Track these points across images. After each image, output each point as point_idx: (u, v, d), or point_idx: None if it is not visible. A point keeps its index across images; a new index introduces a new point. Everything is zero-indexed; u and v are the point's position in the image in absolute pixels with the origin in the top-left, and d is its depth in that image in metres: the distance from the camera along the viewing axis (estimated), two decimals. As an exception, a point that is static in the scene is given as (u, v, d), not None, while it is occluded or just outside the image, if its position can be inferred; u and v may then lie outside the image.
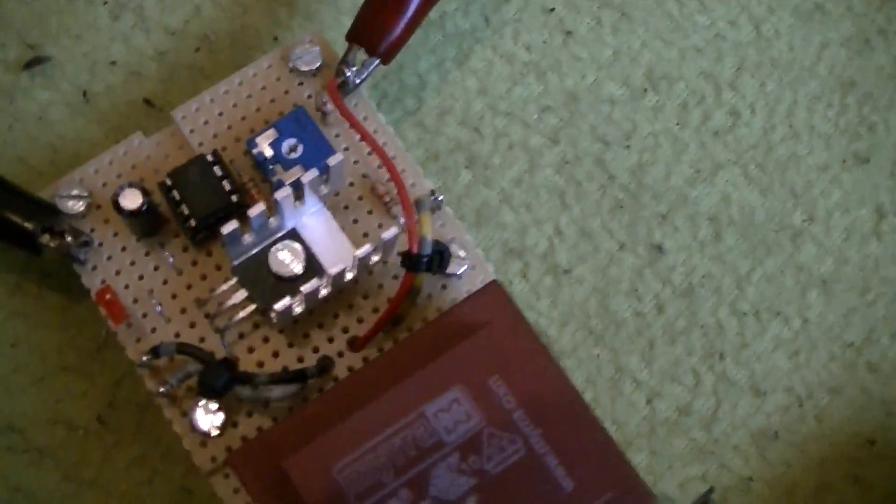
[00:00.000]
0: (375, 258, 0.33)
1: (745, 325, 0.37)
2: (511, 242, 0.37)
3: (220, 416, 0.33)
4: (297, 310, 0.32)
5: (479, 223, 0.37)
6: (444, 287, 0.34)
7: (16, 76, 0.38)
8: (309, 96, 0.36)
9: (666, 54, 0.40)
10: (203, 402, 0.33)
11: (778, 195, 0.38)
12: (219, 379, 0.32)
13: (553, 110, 0.39)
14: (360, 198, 0.35)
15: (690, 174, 0.38)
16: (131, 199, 0.33)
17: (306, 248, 0.33)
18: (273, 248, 0.33)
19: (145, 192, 0.33)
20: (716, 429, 0.36)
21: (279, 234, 0.33)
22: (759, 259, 0.38)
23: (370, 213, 0.35)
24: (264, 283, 0.33)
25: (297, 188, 0.32)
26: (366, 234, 0.34)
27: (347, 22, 0.38)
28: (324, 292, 0.32)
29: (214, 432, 0.33)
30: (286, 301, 0.31)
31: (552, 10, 0.40)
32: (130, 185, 0.33)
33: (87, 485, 0.35)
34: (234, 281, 0.33)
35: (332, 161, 0.32)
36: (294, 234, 0.33)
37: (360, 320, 0.34)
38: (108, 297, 0.33)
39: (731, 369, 0.37)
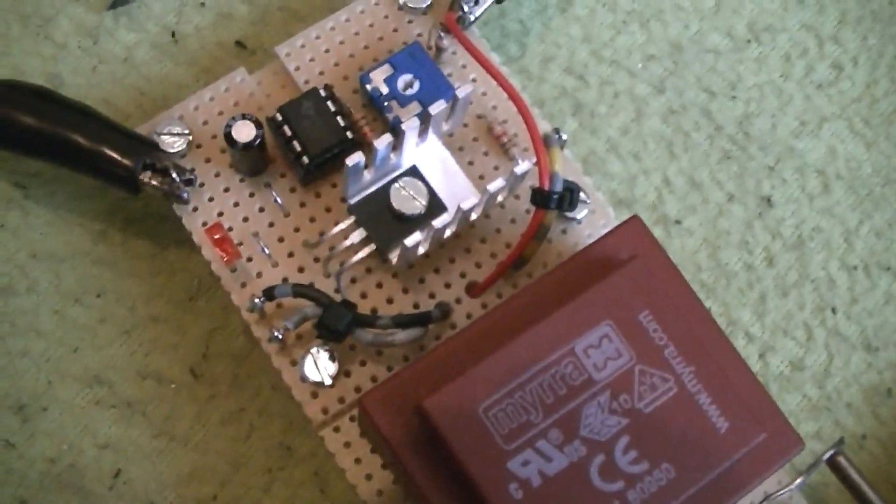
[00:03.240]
0: (501, 197, 0.31)
1: (856, 279, 0.36)
2: (619, 192, 0.36)
3: (333, 365, 0.31)
4: (422, 249, 0.31)
5: (587, 172, 0.36)
6: (563, 232, 0.33)
7: (99, 16, 0.36)
8: (419, 35, 0.34)
9: (768, 5, 0.39)
10: (314, 349, 0.31)
11: (883, 149, 0.37)
12: (341, 320, 0.30)
13: (657, 59, 0.37)
14: (476, 139, 0.33)
15: (796, 126, 0.37)
16: (245, 132, 0.31)
17: (428, 186, 0.31)
18: (394, 186, 0.31)
19: (258, 125, 0.31)
20: (828, 385, 0.35)
21: (399, 172, 0.32)
22: (867, 213, 0.37)
23: (486, 154, 0.33)
24: (384, 222, 0.31)
25: (424, 117, 0.31)
26: (482, 177, 0.33)
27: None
28: (449, 231, 0.31)
29: (328, 381, 0.31)
30: (416, 236, 0.29)
31: (654, -41, 0.39)
32: (244, 117, 0.31)
33: (180, 441, 0.33)
34: (350, 221, 0.31)
35: (462, 92, 0.30)
36: (415, 172, 0.31)
37: (477, 265, 0.32)
38: (218, 235, 0.31)
39: (842, 324, 0.36)
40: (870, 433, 0.35)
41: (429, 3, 0.34)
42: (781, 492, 0.31)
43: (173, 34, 0.36)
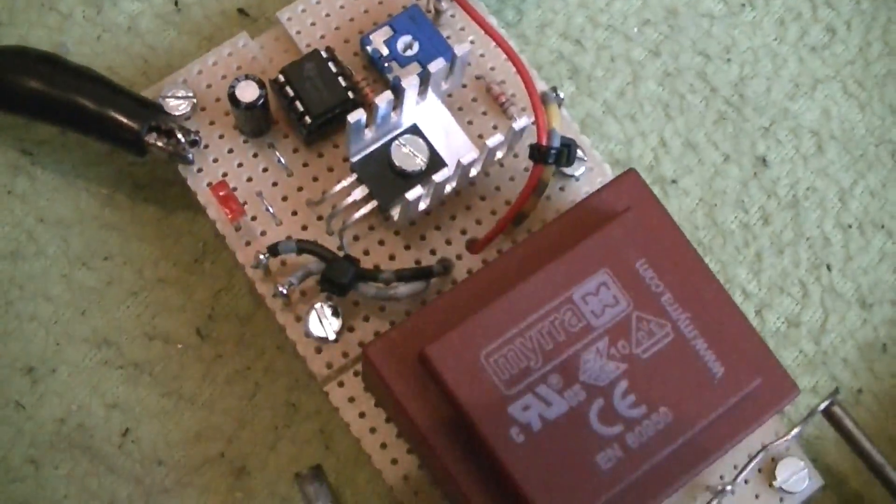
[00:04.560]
0: (500, 154, 0.32)
1: (850, 237, 0.37)
2: (616, 153, 0.37)
3: (337, 321, 0.32)
4: (423, 205, 0.31)
5: (584, 134, 0.36)
6: (561, 189, 0.33)
7: (103, -14, 0.37)
8: (418, -1, 0.35)
9: (762, -30, 0.39)
10: (319, 305, 0.32)
11: (877, 111, 0.38)
12: (345, 274, 0.30)
13: (653, 24, 0.38)
14: (475, 99, 0.34)
15: (790, 88, 0.38)
16: (249, 92, 0.31)
17: (428, 143, 0.32)
18: (395, 143, 0.32)
19: (261, 86, 0.32)
20: (824, 341, 0.36)
21: (400, 130, 0.32)
22: (861, 173, 0.37)
23: (484, 113, 0.34)
24: (385, 179, 0.32)
25: (423, 79, 0.31)
26: (480, 136, 0.34)
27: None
28: (450, 187, 0.31)
29: (332, 337, 0.31)
30: (417, 191, 0.30)
31: (647, -77, 0.39)
32: (247, 78, 0.32)
33: (187, 401, 0.34)
34: (352, 178, 0.32)
35: (460, 51, 0.31)
36: (415, 130, 0.32)
37: (478, 222, 0.33)
38: (223, 192, 0.31)
39: (837, 281, 0.36)
40: (865, 388, 0.35)
41: (428, -34, 0.35)
42: (778, 442, 0.32)
43: (176, 3, 0.37)
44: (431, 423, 0.28)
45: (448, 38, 0.34)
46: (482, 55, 0.34)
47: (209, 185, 0.32)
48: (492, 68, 0.34)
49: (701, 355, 0.28)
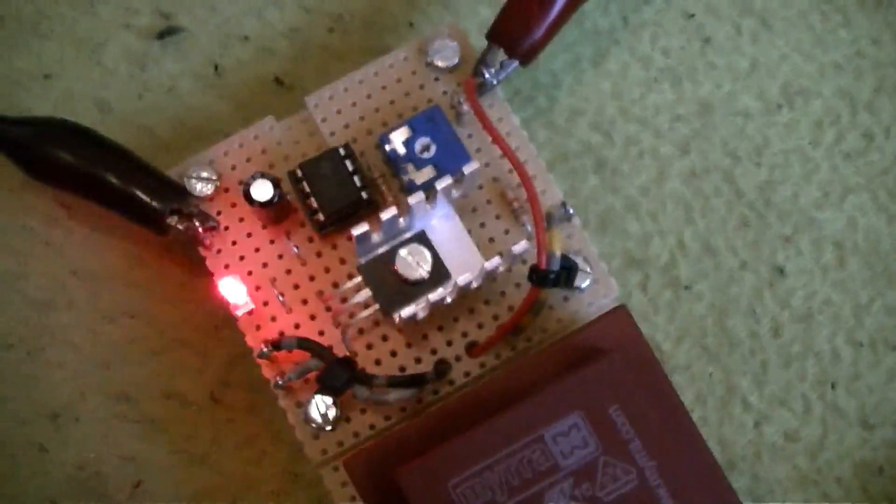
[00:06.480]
0: (501, 269, 0.33)
1: (861, 355, 0.37)
2: (633, 252, 0.37)
3: (334, 411, 0.33)
4: (421, 315, 0.32)
5: (603, 229, 0.37)
6: (565, 299, 0.34)
7: (148, 45, 0.38)
8: (445, 93, 0.35)
9: (805, 69, 0.39)
10: (318, 396, 0.33)
11: (906, 224, 0.38)
12: (338, 378, 0.32)
13: (685, 119, 0.38)
14: (489, 201, 0.35)
15: (819, 196, 0.38)
16: (262, 191, 0.33)
17: (433, 253, 0.33)
18: (401, 251, 0.33)
19: (276, 184, 0.33)
20: (820, 458, 0.36)
21: (407, 236, 0.33)
22: (881, 290, 0.37)
23: (498, 217, 0.35)
24: (389, 284, 0.33)
25: (429, 191, 0.32)
26: (492, 240, 0.34)
27: (484, 10, 0.38)
28: (448, 301, 0.32)
29: (328, 427, 0.33)
30: (411, 308, 0.31)
31: (692, 15, 0.39)
32: (263, 176, 0.33)
33: (197, 460, 0.36)
34: (359, 279, 0.33)
35: (468, 169, 0.32)
36: (422, 237, 0.33)
37: (479, 325, 0.34)
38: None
39: (842, 399, 0.36)
40: (858, 509, 0.36)
41: (456, 62, 0.35)
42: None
43: (216, 67, 0.38)
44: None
45: (470, 136, 0.35)
46: (501, 157, 0.35)
47: (226, 267, 0.34)
48: (510, 170, 0.35)
49: (661, 502, 0.29)
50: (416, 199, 0.32)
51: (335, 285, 0.34)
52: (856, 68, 0.39)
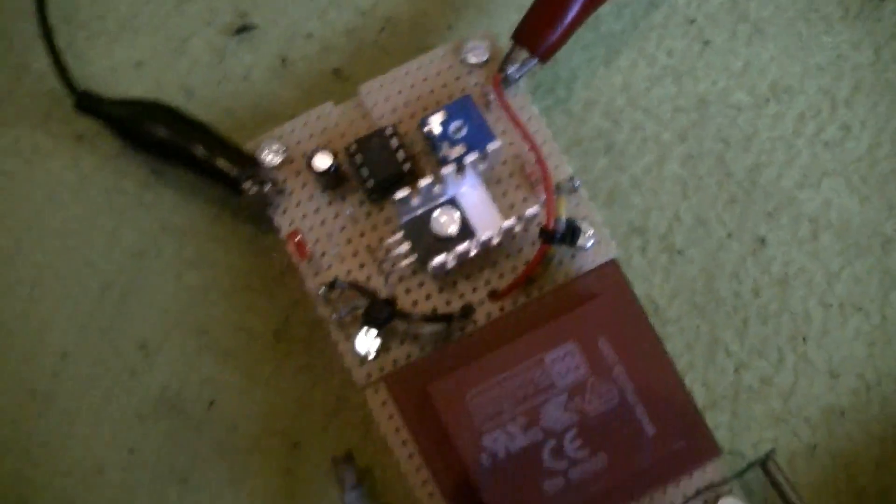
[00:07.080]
0: (517, 229, 0.39)
1: (830, 315, 0.43)
2: (635, 222, 0.43)
3: (377, 342, 0.40)
4: (450, 265, 0.39)
5: (611, 202, 0.43)
6: (572, 256, 0.40)
7: (226, 39, 0.45)
8: (476, 84, 0.42)
9: (791, 69, 0.45)
10: (364, 329, 0.40)
11: (875, 206, 0.43)
12: (381, 313, 0.39)
13: (685, 111, 0.44)
14: (511, 174, 0.41)
15: (799, 178, 0.44)
16: (322, 161, 0.40)
17: (462, 215, 0.40)
18: (435, 212, 0.39)
19: (334, 157, 0.40)
20: (792, 401, 0.42)
21: (441, 200, 0.40)
22: (850, 260, 0.43)
23: (517, 187, 0.41)
24: (425, 239, 0.40)
25: (460, 165, 0.39)
26: (512, 206, 0.41)
27: (514, 15, 0.45)
28: (472, 253, 0.39)
29: (371, 355, 0.40)
30: (441, 257, 0.38)
31: (693, 21, 0.45)
32: (323, 149, 0.40)
33: (262, 384, 0.42)
34: (400, 235, 0.40)
35: (492, 147, 0.39)
36: (453, 202, 0.40)
37: (500, 275, 0.40)
38: (296, 238, 0.40)
39: (812, 351, 0.42)
40: (821, 445, 0.42)
41: (486, 58, 0.42)
42: (721, 483, 0.39)
43: (283, 60, 0.45)
44: (427, 442, 0.36)
45: (497, 121, 0.42)
46: (522, 137, 0.41)
47: (291, 223, 0.41)
48: (529, 149, 0.41)
49: (638, 418, 0.36)
50: (448, 170, 0.38)
51: (381, 240, 0.41)
52: (837, 69, 0.45)
